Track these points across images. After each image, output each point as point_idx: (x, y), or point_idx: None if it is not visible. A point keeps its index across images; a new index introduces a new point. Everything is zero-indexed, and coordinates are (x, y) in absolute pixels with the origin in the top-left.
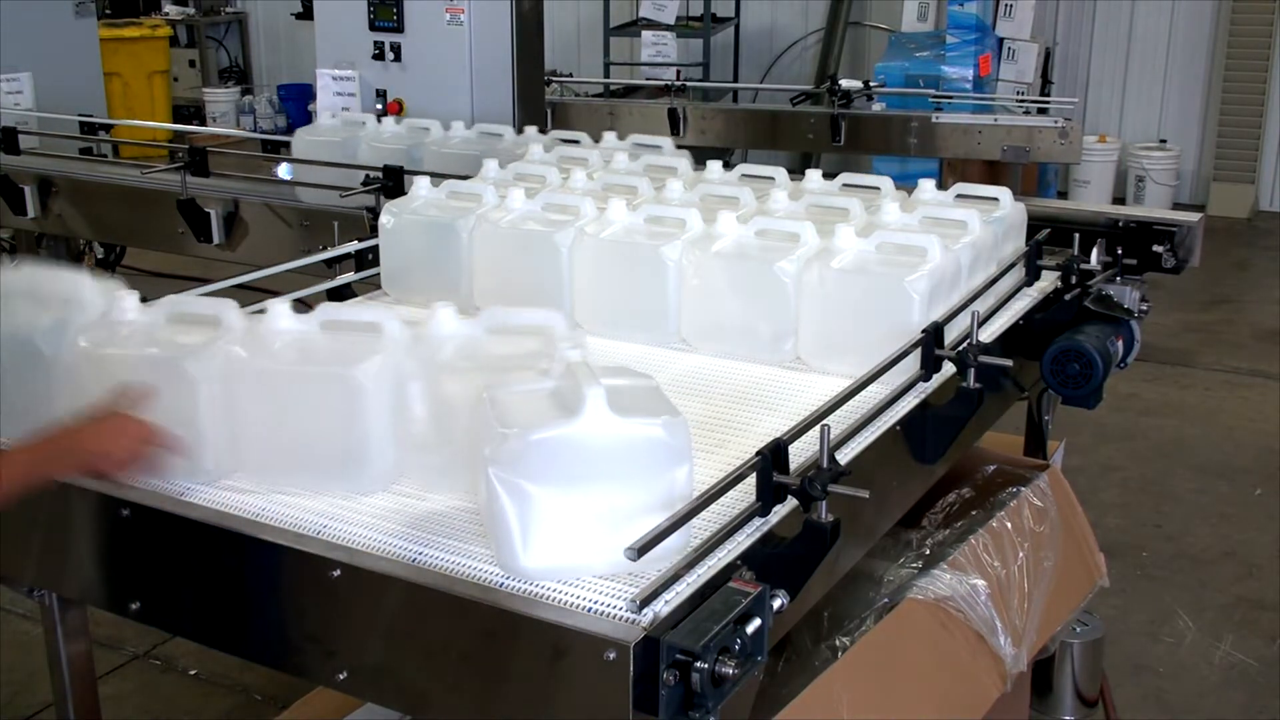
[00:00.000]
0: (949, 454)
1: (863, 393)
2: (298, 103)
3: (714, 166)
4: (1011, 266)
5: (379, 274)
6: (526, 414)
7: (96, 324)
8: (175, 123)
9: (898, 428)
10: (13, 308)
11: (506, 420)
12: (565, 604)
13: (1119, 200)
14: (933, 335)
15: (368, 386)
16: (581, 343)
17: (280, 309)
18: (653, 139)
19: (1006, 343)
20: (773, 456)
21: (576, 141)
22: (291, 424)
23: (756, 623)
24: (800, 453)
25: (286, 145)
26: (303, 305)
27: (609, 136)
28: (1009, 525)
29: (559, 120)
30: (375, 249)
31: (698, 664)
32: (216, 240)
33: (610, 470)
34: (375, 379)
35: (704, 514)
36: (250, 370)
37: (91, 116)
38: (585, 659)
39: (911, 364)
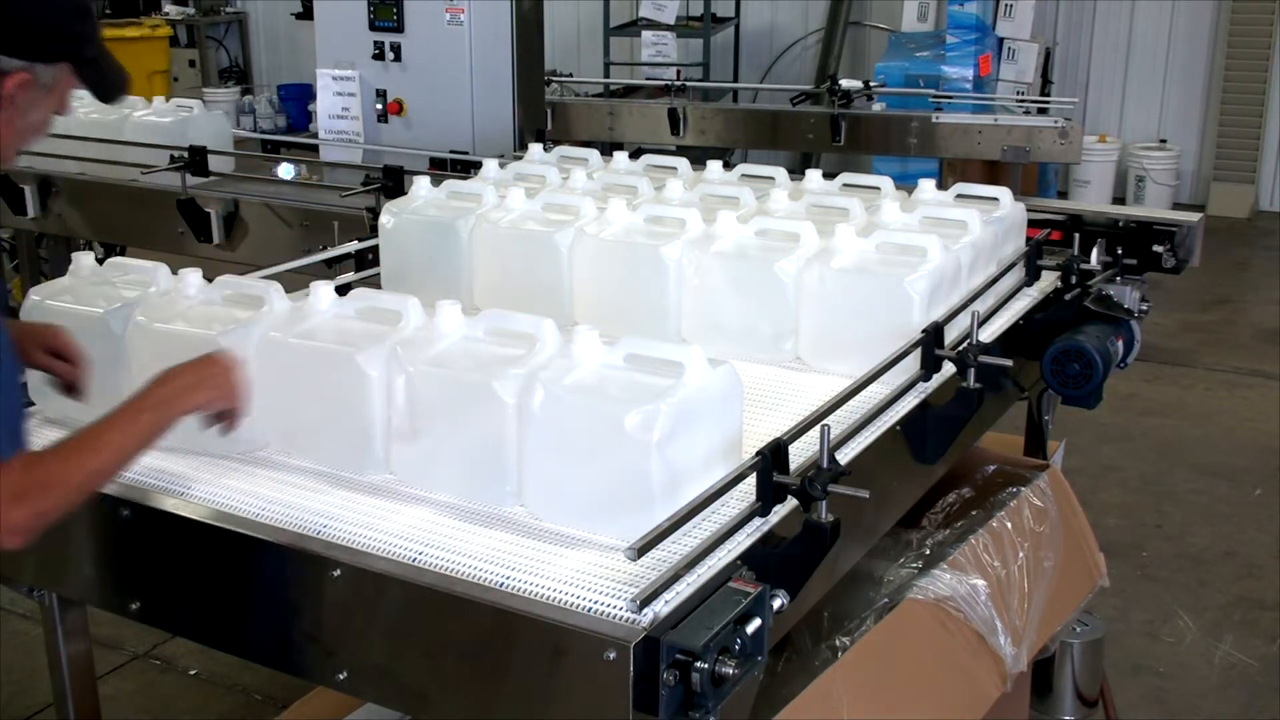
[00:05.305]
0: (949, 454)
1: (863, 393)
2: (298, 103)
3: (714, 166)
4: (1011, 266)
5: (379, 274)
6: (630, 390)
7: (154, 301)
8: None
9: (898, 428)
10: (91, 294)
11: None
12: (565, 604)
13: (1119, 200)
14: (933, 335)
15: (370, 373)
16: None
17: (323, 291)
18: (668, 159)
19: (1006, 343)
20: (773, 456)
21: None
22: (307, 402)
23: (756, 623)
24: (800, 453)
25: (288, 145)
26: None
27: (619, 156)
28: (1009, 525)
29: (559, 120)
30: (375, 249)
31: (698, 664)
32: (216, 240)
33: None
34: (380, 365)
35: (704, 514)
36: (275, 349)
37: None
38: (585, 659)
39: (911, 364)
